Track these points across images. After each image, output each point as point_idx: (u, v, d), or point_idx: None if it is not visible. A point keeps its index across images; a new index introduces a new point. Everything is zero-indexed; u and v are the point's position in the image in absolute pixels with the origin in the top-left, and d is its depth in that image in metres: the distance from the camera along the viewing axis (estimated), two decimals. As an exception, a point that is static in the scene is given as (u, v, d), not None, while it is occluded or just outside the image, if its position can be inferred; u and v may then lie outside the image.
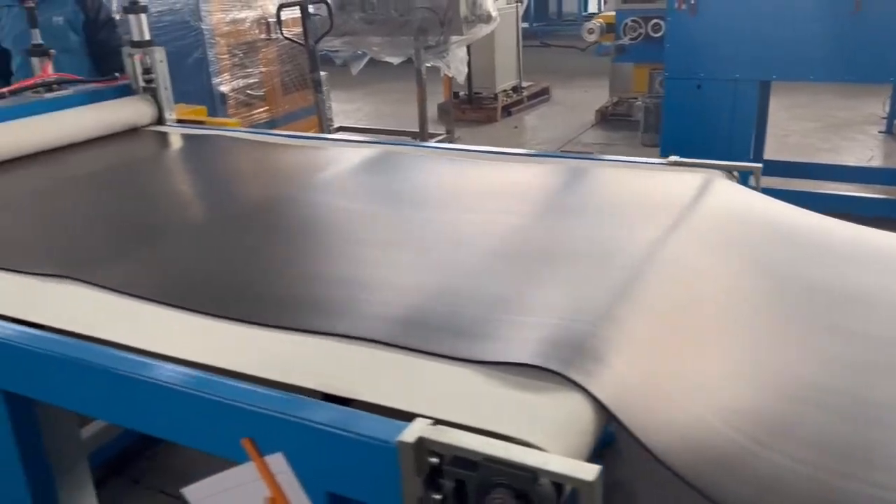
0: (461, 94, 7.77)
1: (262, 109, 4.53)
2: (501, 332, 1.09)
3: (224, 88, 4.17)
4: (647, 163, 2.00)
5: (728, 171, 1.88)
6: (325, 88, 4.75)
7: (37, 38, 2.56)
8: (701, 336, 1.22)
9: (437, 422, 0.86)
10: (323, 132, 4.69)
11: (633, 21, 4.40)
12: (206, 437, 1.00)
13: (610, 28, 4.95)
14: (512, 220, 1.61)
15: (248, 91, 4.38)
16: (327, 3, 4.60)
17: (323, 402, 0.94)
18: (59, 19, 3.21)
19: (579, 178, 1.94)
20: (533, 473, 0.78)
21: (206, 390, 0.98)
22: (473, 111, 7.60)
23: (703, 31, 3.87)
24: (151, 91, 2.74)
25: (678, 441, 0.97)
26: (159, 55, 2.71)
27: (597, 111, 7.27)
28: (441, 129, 6.51)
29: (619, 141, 6.46)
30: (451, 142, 6.05)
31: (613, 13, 4.88)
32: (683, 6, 3.78)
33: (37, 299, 1.32)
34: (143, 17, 2.69)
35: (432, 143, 2.34)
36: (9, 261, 1.46)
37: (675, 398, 1.05)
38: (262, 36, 4.44)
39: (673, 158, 1.95)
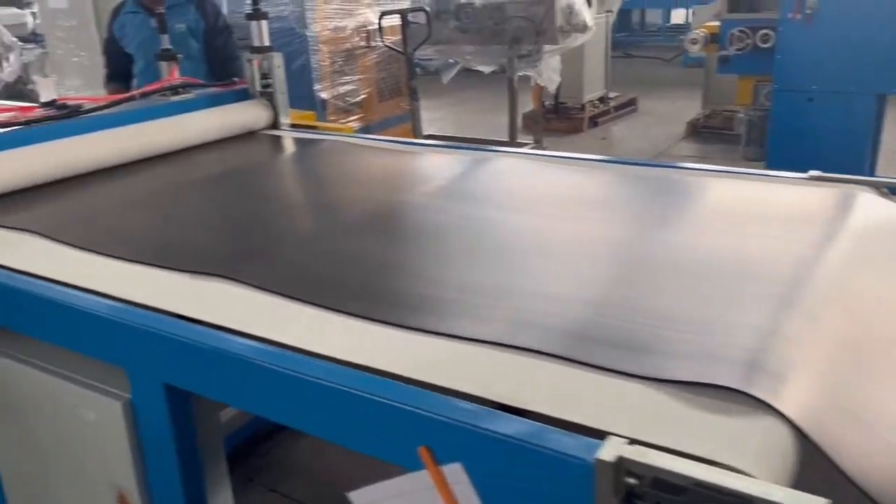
0: (546, 103, 7.71)
1: (357, 116, 4.59)
2: (678, 348, 1.04)
3: (324, 95, 4.24)
4: (784, 177, 1.91)
5: (876, 188, 1.78)
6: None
7: (165, 43, 2.65)
8: (880, 357, 1.14)
9: (631, 441, 0.82)
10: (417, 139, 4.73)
11: (740, 31, 4.26)
12: (377, 442, 0.99)
13: (713, 38, 4.81)
14: (655, 231, 1.56)
15: (347, 98, 4.45)
16: (426, 12, 4.64)
17: (508, 415, 0.92)
18: (181, 26, 3.33)
19: (716, 190, 1.88)
20: (750, 503, 0.73)
21: (379, 393, 0.97)
22: (559, 121, 7.52)
23: (818, 42, 3.72)
24: (268, 95, 2.80)
25: (874, 467, 0.91)
26: (277, 61, 2.77)
27: (688, 123, 7.09)
28: (528, 139, 6.47)
29: (714, 154, 6.28)
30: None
31: (717, 23, 4.74)
32: (798, 16, 3.64)
33: (192, 296, 1.35)
34: (264, 23, 2.75)
35: (548, 151, 2.30)
36: (159, 258, 1.50)
37: (866, 422, 0.99)
38: (362, 44, 4.50)
39: (814, 173, 1.86)
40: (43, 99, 8.58)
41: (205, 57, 3.38)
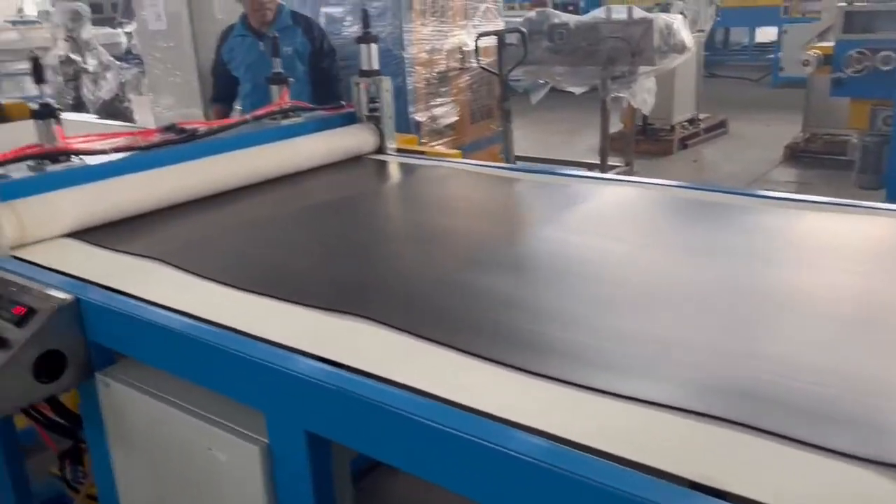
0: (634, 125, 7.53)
1: (449, 138, 4.55)
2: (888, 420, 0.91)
3: (419, 117, 4.21)
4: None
5: None
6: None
7: (277, 66, 2.65)
8: None
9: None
10: (508, 162, 4.64)
11: (858, 53, 4.03)
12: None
13: (826, 60, 4.58)
14: (791, 273, 1.42)
15: (440, 120, 4.41)
16: (522, 33, 4.57)
17: (711, 498, 0.81)
18: (288, 49, 3.36)
19: (839, 224, 1.72)
20: None
21: (562, 465, 0.87)
22: (647, 143, 7.33)
23: (949, 64, 3.46)
24: (375, 119, 2.77)
25: None
26: (386, 84, 2.73)
27: (786, 147, 6.79)
28: (617, 161, 6.31)
29: (816, 180, 5.98)
30: (630, 174, 5.83)
31: (831, 44, 4.51)
32: (928, 36, 3.39)
33: (328, 335, 1.28)
34: (374, 47, 2.72)
35: (674, 182, 2.18)
36: (288, 291, 1.45)
37: None
38: (456, 65, 4.46)
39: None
40: (137, 116, 8.88)
41: (309, 79, 3.40)
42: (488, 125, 4.91)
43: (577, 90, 5.70)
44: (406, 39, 4.04)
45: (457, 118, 4.57)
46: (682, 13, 6.25)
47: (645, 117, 7.17)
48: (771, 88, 11.37)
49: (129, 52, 10.77)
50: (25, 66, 9.96)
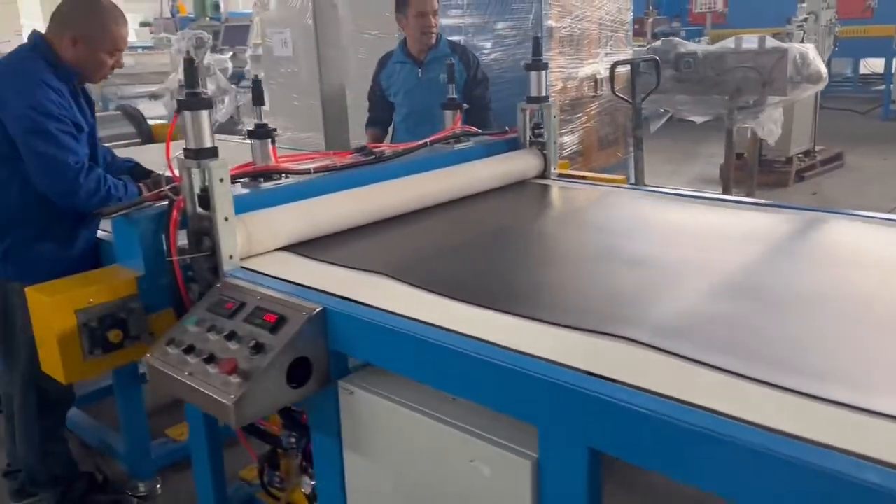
0: (746, 155, 7.36)
1: (577, 165, 4.56)
2: None
3: (552, 143, 4.24)
4: None
5: None
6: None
7: (452, 92, 2.73)
8: None
9: None
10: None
11: None
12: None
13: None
14: None
15: (570, 146, 4.43)
16: (656, 62, 4.56)
17: None
18: (444, 77, 3.45)
19: None
20: None
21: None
22: (762, 174, 7.13)
23: None
24: (539, 145, 2.81)
25: None
26: (553, 110, 2.78)
27: (914, 182, 6.52)
28: (738, 192, 6.17)
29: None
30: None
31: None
32: None
33: (592, 352, 1.30)
34: (544, 73, 2.77)
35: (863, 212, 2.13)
36: (531, 309, 1.48)
37: None
38: (590, 93, 4.49)
39: None
40: (226, 136, 9.20)
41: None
42: (615, 152, 4.90)
43: (699, 119, 5.62)
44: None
45: (585, 145, 4.58)
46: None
47: (760, 148, 7.00)
48: (882, 121, 10.96)
49: (233, 76, 11.25)
50: (144, 89, 10.46)
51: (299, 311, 1.56)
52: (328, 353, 1.59)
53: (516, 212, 2.47)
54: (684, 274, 1.74)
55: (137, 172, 2.46)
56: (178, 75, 9.46)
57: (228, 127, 9.54)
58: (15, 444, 2.49)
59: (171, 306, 1.87)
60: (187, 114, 1.78)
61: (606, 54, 4.58)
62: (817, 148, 7.71)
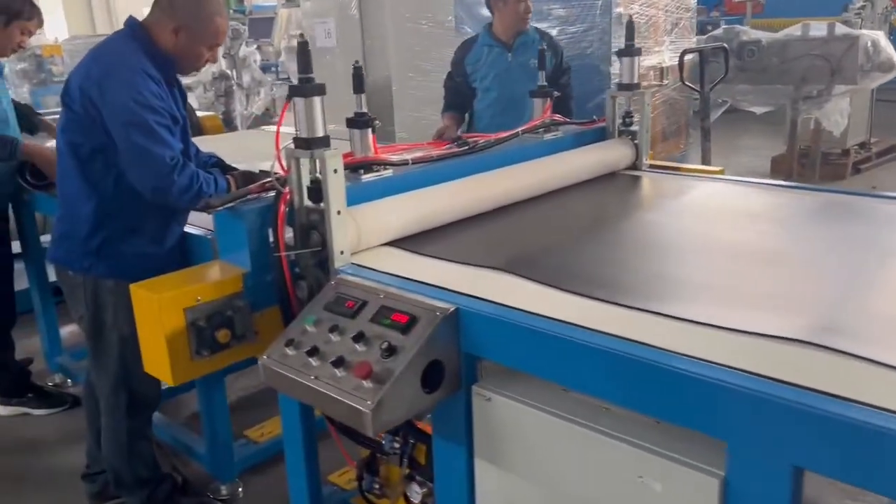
0: (801, 147, 7.16)
1: (639, 156, 4.42)
2: None
3: (617, 134, 4.10)
4: None
5: None
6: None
7: (542, 79, 2.61)
8: None
9: None
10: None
11: None
12: None
13: None
14: None
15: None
16: (725, 50, 4.41)
17: None
18: (534, 61, 3.33)
19: None
20: None
21: None
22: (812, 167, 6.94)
23: None
24: (630, 134, 2.69)
25: None
26: (647, 98, 2.66)
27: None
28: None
29: None
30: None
31: None
32: None
33: (770, 358, 1.18)
34: (637, 60, 2.64)
35: None
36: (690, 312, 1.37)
37: None
38: (655, 83, 4.34)
39: None
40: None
41: None
42: (677, 143, 4.75)
43: (760, 110, 5.46)
44: (613, 56, 3.95)
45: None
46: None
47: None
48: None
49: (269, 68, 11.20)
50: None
51: (432, 310, 1.45)
52: (459, 356, 1.49)
53: (614, 203, 2.36)
54: (827, 271, 1.62)
55: (219, 167, 2.37)
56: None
57: (264, 119, 9.50)
58: (96, 446, 2.42)
59: (277, 304, 1.78)
60: (299, 100, 1.67)
61: (672, 42, 4.43)
62: (872, 140, 7.49)
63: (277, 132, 1.75)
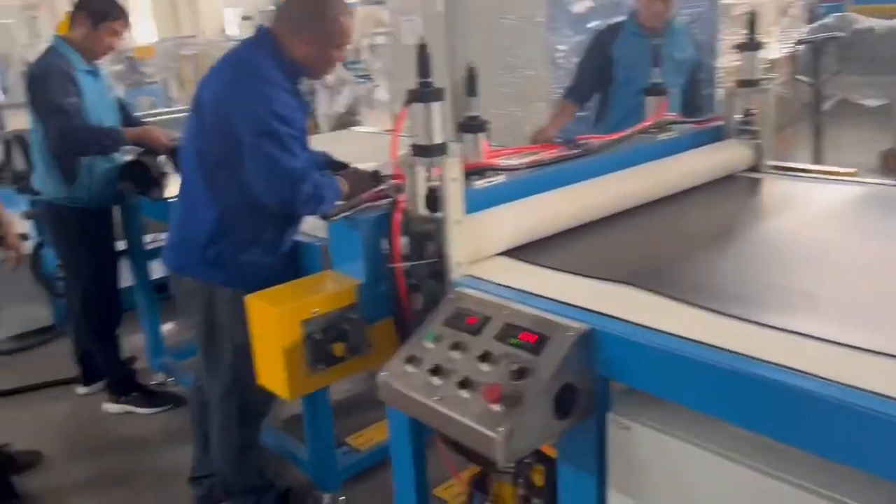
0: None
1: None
2: None
3: (721, 131, 3.89)
4: None
5: None
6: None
7: (657, 76, 2.47)
8: None
9: None
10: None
11: None
12: None
13: None
14: None
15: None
16: (839, 40, 4.12)
17: None
18: (683, 56, 3.20)
19: None
20: None
21: None
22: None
23: None
24: (750, 133, 2.52)
25: None
26: (771, 96, 2.48)
27: None
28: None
29: None
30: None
31: None
32: None
33: None
34: (757, 54, 2.47)
35: None
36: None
37: None
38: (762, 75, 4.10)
39: None
40: (367, 127, 9.24)
41: (681, 90, 3.19)
42: (785, 140, 4.49)
43: (873, 102, 5.09)
44: (720, 48, 3.75)
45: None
46: None
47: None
48: None
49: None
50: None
51: (564, 330, 1.36)
52: (592, 380, 1.39)
53: (736, 209, 2.21)
54: None
55: (331, 165, 2.34)
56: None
57: (346, 118, 9.58)
58: (202, 450, 2.44)
59: (390, 316, 1.72)
60: (419, 106, 1.61)
61: (781, 31, 4.18)
62: None
63: (394, 138, 1.69)
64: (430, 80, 1.60)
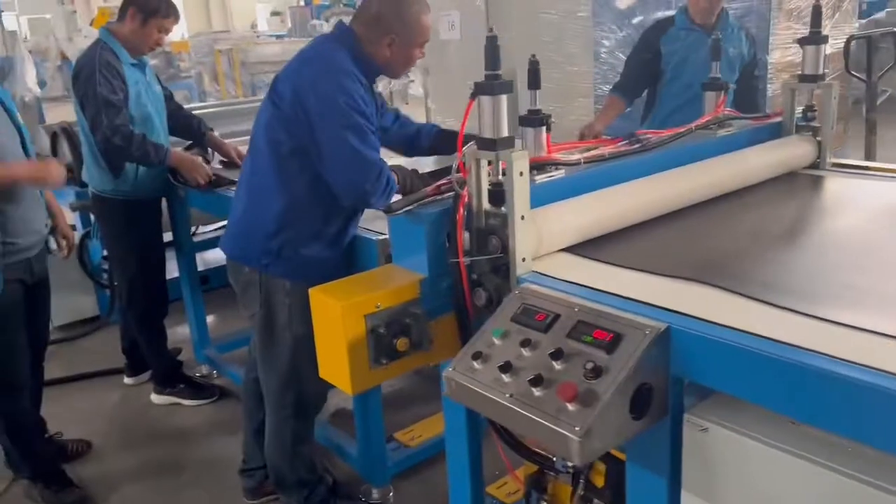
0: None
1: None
2: None
3: (771, 127, 3.81)
4: None
5: None
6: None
7: (716, 70, 2.42)
8: None
9: None
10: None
11: None
12: None
13: None
14: None
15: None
16: (895, 34, 4.01)
17: None
18: (734, 52, 3.14)
19: None
20: None
21: None
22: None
23: None
24: (811, 130, 2.46)
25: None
26: (834, 91, 2.41)
27: None
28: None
29: None
30: None
31: None
32: None
33: None
34: (823, 48, 2.41)
35: None
36: None
37: None
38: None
39: None
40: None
41: (736, 86, 3.14)
42: (837, 137, 4.38)
43: (923, 99, 4.97)
44: (772, 42, 3.66)
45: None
46: None
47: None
48: None
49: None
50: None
51: (640, 328, 1.33)
52: (667, 380, 1.35)
53: (799, 207, 2.16)
54: None
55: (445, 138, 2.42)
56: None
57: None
58: (254, 442, 2.44)
59: (453, 312, 1.70)
60: (485, 99, 1.58)
61: (833, 26, 4.07)
62: None
63: (461, 132, 1.66)
64: (498, 72, 1.57)
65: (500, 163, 1.61)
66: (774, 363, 1.19)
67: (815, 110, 2.47)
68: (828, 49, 4.15)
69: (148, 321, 3.25)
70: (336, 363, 1.63)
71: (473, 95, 1.60)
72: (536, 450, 1.88)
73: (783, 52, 3.78)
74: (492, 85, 1.57)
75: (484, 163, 1.64)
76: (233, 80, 12.17)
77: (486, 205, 1.66)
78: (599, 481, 1.77)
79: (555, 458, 1.83)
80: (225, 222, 2.49)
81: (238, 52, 12.11)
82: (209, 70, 12.34)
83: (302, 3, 18.42)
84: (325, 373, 1.70)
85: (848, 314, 1.31)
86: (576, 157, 2.01)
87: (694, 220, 2.01)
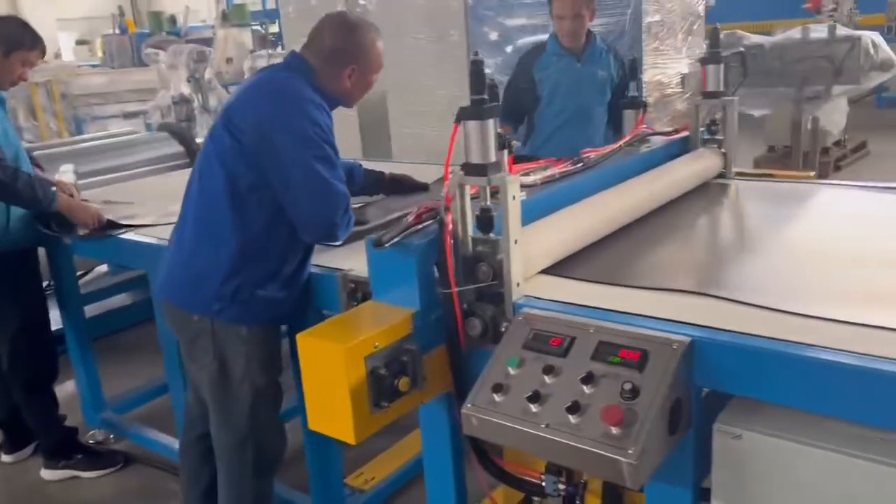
0: (775, 147, 7.35)
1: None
2: None
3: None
4: None
5: None
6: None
7: (634, 90, 2.55)
8: None
9: None
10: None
11: None
12: None
13: None
14: None
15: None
16: (742, 54, 4.43)
17: None
18: (603, 74, 3.24)
19: None
20: None
21: None
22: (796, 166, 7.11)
23: None
24: (716, 143, 2.64)
25: None
26: (734, 106, 2.61)
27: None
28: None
29: None
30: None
31: None
32: None
33: None
34: (721, 67, 2.61)
35: None
36: None
37: None
38: (678, 90, 4.34)
39: None
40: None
41: (608, 108, 3.26)
42: (695, 150, 4.76)
43: (758, 112, 5.54)
44: (645, 62, 3.92)
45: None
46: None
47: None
48: (877, 109, 11.08)
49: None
50: (118, 108, 10.25)
51: (665, 344, 1.34)
52: (690, 392, 1.38)
53: (735, 214, 2.32)
54: None
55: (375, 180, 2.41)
56: (171, 91, 9.07)
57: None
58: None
59: (444, 344, 1.64)
60: (472, 124, 1.54)
61: (688, 48, 4.44)
62: (845, 137, 7.72)
63: (448, 161, 1.61)
64: (484, 96, 1.54)
65: (488, 188, 1.58)
66: (808, 363, 1.25)
67: (718, 124, 2.66)
68: (687, 69, 4.55)
69: (36, 386, 2.85)
70: (334, 412, 1.50)
71: (458, 120, 1.56)
72: (520, 475, 1.85)
73: (653, 74, 4.06)
74: (479, 110, 1.54)
75: (467, 189, 1.61)
76: (54, 115, 11.23)
77: (471, 232, 1.62)
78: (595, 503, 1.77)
79: (544, 482, 1.81)
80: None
81: (58, 84, 11.17)
82: (24, 104, 11.28)
83: (118, 32, 17.29)
84: (317, 424, 1.56)
85: (842, 311, 1.40)
86: (531, 178, 2.02)
87: (642, 233, 2.08)
